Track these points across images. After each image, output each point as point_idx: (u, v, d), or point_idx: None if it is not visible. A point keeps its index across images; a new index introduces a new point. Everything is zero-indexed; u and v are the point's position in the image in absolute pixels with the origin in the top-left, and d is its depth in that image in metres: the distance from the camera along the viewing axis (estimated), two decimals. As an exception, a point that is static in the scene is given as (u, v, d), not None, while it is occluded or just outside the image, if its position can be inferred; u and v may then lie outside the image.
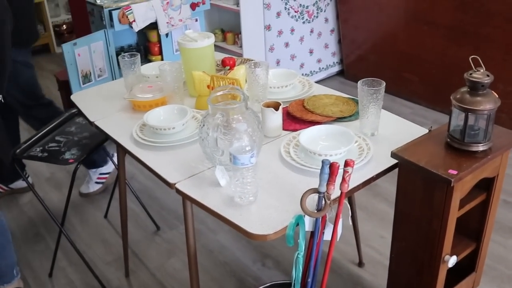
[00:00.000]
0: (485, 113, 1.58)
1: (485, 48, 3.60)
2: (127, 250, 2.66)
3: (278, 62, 4.23)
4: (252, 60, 2.68)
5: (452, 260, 1.71)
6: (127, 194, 3.11)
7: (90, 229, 3.10)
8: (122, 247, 2.65)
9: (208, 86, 2.18)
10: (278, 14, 4.09)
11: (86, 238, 3.02)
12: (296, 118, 2.06)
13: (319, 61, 4.57)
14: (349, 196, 2.49)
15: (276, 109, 1.93)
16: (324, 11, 4.45)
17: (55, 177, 3.64)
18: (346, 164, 1.46)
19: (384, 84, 1.89)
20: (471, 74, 1.58)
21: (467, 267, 1.99)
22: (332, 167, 1.48)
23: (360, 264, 2.68)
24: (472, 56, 1.61)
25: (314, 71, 4.56)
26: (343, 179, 1.47)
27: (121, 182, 2.48)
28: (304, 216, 1.52)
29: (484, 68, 1.60)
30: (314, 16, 4.38)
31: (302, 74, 4.47)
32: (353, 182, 1.67)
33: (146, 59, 3.96)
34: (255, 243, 2.84)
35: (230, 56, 2.62)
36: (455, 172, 1.52)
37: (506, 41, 3.48)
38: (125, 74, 2.38)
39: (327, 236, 1.60)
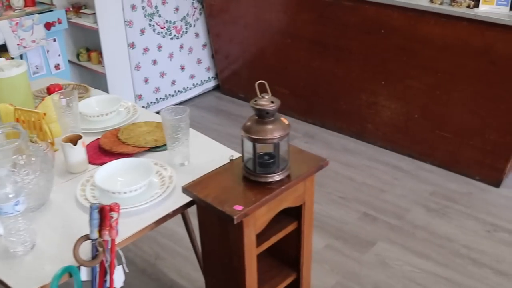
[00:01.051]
0: (274, 141, 1.49)
1: (345, 59, 3.60)
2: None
3: (146, 81, 4.07)
4: (83, 86, 2.53)
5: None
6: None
7: None
8: None
9: (17, 120, 2.00)
10: (142, 31, 3.94)
11: None
12: (106, 150, 1.91)
13: (192, 77, 4.45)
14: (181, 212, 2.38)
15: (76, 143, 1.78)
16: (194, 26, 4.33)
17: None
18: (110, 209, 1.33)
19: (188, 110, 1.78)
20: (255, 101, 1.49)
21: (292, 297, 1.91)
22: (103, 211, 1.35)
23: (209, 293, 2.56)
24: (259, 82, 1.52)
25: (187, 87, 4.44)
26: (110, 225, 1.34)
27: None
28: (79, 265, 1.38)
29: (270, 94, 1.50)
30: (183, 31, 4.25)
31: (175, 91, 4.34)
32: (145, 221, 1.56)
33: (2, 83, 3.70)
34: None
35: (56, 83, 2.44)
36: (240, 208, 1.42)
37: (364, 52, 3.48)
38: None
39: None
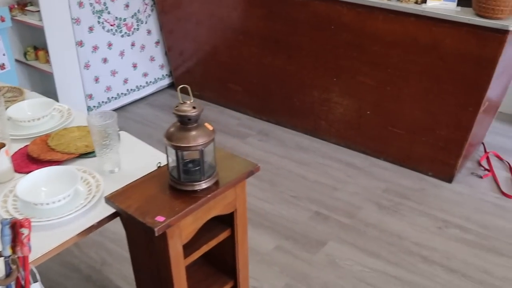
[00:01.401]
0: (198, 148, 1.43)
1: (297, 56, 3.55)
2: None
3: (96, 80, 3.97)
4: (17, 89, 2.43)
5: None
6: None
7: None
8: None
9: None
10: (91, 28, 3.84)
11: None
12: (34, 158, 1.83)
13: (145, 75, 4.35)
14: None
15: (-2, 151, 1.70)
16: (146, 22, 4.24)
17: None
18: (21, 225, 1.25)
19: (115, 116, 1.70)
20: (177, 107, 1.42)
21: (230, 305, 1.85)
22: (15, 226, 1.28)
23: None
24: (181, 86, 1.45)
25: (140, 86, 4.34)
26: (21, 242, 1.26)
27: None
28: (-9, 285, 1.31)
29: (192, 99, 1.44)
30: (134, 28, 4.15)
31: (127, 90, 4.25)
32: (68, 234, 1.48)
33: None
34: None
35: (-12, 85, 2.34)
36: (161, 219, 1.36)
37: (315, 48, 3.44)
38: None
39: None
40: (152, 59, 4.38)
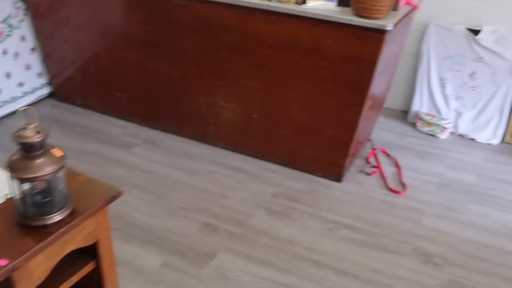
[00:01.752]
0: (45, 178, 1.27)
1: (181, 60, 3.42)
2: None
3: (-36, 92, 3.65)
4: None
5: None
6: None
7: None
8: None
9: None
10: (-46, 36, 3.52)
11: None
12: None
13: (21, 84, 4.05)
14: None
15: None
16: (19, 28, 3.94)
17: None
18: None
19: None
20: (17, 133, 1.26)
21: None
22: None
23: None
24: (22, 108, 1.29)
25: (16, 96, 4.03)
26: None
27: None
28: None
29: (37, 123, 1.28)
30: (6, 34, 3.85)
31: (1, 102, 3.93)
32: None
33: None
34: None
35: None
36: (4, 263, 1.19)
37: (198, 52, 3.32)
38: None
39: None
40: (28, 67, 4.08)
